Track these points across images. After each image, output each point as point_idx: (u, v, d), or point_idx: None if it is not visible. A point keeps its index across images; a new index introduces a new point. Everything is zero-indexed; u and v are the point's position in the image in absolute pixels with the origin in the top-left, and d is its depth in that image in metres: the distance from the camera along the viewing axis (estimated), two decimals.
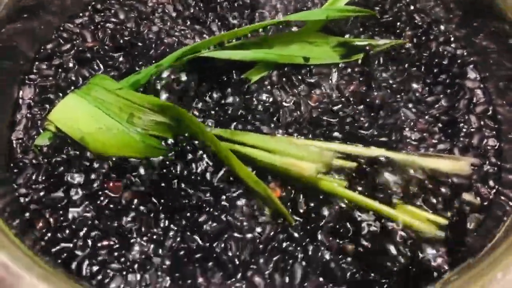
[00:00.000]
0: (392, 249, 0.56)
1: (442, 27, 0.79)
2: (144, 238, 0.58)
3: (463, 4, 0.77)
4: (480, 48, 0.75)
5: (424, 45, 0.76)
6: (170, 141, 0.64)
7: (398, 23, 0.79)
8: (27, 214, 0.59)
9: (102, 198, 0.60)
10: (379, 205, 0.59)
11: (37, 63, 0.73)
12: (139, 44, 0.75)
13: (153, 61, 0.72)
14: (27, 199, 0.60)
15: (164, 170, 0.62)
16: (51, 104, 0.68)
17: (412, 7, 0.82)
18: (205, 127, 0.62)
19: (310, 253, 0.57)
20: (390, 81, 0.72)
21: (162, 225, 0.59)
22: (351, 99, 0.70)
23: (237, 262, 0.56)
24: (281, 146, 0.61)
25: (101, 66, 0.72)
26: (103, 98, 0.65)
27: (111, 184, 0.61)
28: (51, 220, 0.59)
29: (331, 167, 0.61)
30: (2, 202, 0.58)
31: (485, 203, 0.62)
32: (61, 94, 0.70)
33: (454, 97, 0.71)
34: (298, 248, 0.57)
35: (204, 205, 0.60)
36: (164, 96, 0.67)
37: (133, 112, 0.64)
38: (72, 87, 0.70)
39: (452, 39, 0.78)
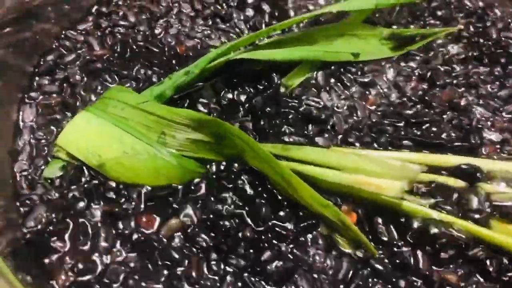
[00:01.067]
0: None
1: (498, 12, 0.70)
2: (196, 287, 0.46)
3: None
4: None
5: (482, 33, 0.67)
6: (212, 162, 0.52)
7: (449, 10, 0.69)
8: (45, 263, 0.47)
9: (136, 237, 0.48)
10: (473, 226, 0.48)
11: (37, 78, 0.61)
12: (156, 49, 0.63)
13: (176, 68, 0.61)
14: (40, 247, 0.48)
15: (209, 198, 0.50)
16: (58, 126, 0.57)
17: None
18: (254, 141, 0.50)
19: None
20: (453, 74, 0.62)
21: (215, 267, 0.47)
22: (413, 98, 0.60)
23: None
24: (350, 161, 0.50)
25: (115, 77, 0.61)
26: (124, 115, 0.53)
27: (144, 219, 0.50)
28: (74, 272, 0.46)
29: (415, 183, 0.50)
30: (11, 251, 0.45)
31: None
32: (69, 114, 0.57)
33: None
34: (389, 286, 0.46)
35: (264, 238, 0.48)
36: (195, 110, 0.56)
37: (164, 130, 0.52)
38: (83, 104, 0.58)
39: (511, 24, 0.68)
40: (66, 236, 0.48)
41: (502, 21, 0.69)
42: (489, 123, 0.58)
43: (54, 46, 0.64)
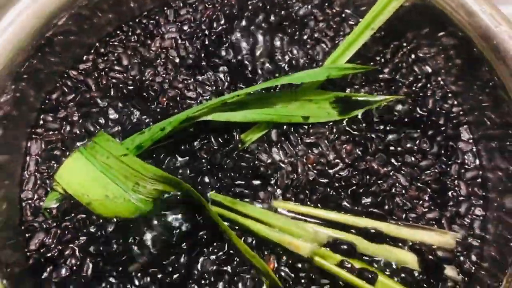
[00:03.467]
0: None
1: (440, 80, 0.80)
2: None
3: (461, 54, 0.77)
4: (475, 104, 0.76)
5: (421, 102, 0.78)
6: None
7: (398, 76, 0.80)
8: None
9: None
10: (362, 283, 0.63)
11: (43, 114, 0.74)
12: (143, 96, 0.76)
13: (158, 116, 0.74)
14: (38, 268, 0.64)
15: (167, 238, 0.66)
16: (58, 162, 0.71)
17: (413, 56, 0.82)
18: (204, 200, 0.65)
19: None
20: (386, 142, 0.74)
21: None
22: (347, 160, 0.73)
23: None
24: (280, 222, 0.65)
25: (105, 120, 0.74)
26: (109, 163, 0.68)
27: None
28: None
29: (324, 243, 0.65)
30: (14, 269, 0.62)
31: (466, 278, 0.66)
32: (67, 152, 0.72)
33: (446, 161, 0.73)
34: None
35: (206, 276, 0.64)
36: (167, 158, 0.70)
37: (138, 181, 0.67)
38: (77, 143, 0.72)
39: (449, 94, 0.79)
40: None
41: (442, 90, 0.80)
42: (404, 191, 0.71)
43: (58, 85, 0.77)
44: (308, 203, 0.70)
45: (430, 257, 0.65)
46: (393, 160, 0.73)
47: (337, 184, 0.71)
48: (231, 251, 0.66)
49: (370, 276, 0.63)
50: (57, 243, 0.66)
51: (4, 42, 0.67)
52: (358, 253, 0.66)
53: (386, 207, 0.70)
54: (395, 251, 0.66)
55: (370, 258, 0.66)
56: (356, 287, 0.63)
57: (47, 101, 0.75)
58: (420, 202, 0.71)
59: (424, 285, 0.65)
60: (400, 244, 0.68)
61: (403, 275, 0.66)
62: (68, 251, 0.65)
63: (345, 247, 0.65)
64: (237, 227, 0.67)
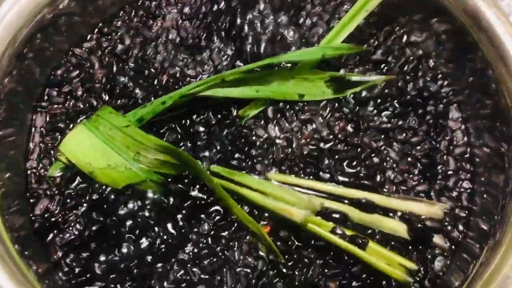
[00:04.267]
0: None
1: (431, 63, 0.83)
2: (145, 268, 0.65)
3: (453, 39, 0.80)
4: (465, 86, 0.79)
5: (412, 82, 0.81)
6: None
7: (390, 58, 0.83)
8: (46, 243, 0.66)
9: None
10: (353, 248, 0.66)
11: (48, 89, 0.77)
12: (144, 73, 0.79)
13: (159, 92, 0.76)
14: (43, 232, 0.67)
15: (166, 205, 0.68)
16: (62, 134, 0.74)
17: (405, 39, 0.85)
18: (204, 168, 0.68)
19: None
20: (378, 119, 0.77)
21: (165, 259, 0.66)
22: (340, 136, 0.76)
23: None
24: (274, 191, 0.68)
25: (108, 96, 0.77)
26: (111, 134, 0.70)
27: None
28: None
29: (317, 211, 0.67)
30: (20, 235, 0.64)
31: (453, 247, 0.69)
32: (70, 124, 0.74)
33: (436, 138, 0.76)
34: (286, 286, 0.65)
35: (204, 240, 0.67)
36: (168, 131, 0.73)
37: (139, 151, 0.69)
38: (81, 116, 0.75)
39: (439, 76, 0.82)
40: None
41: (433, 71, 0.83)
42: (395, 165, 0.74)
43: (63, 61, 0.80)
44: (302, 175, 0.72)
45: (419, 225, 0.68)
46: (384, 137, 0.76)
47: (330, 158, 0.74)
48: (228, 219, 0.68)
49: (361, 241, 0.66)
50: (61, 209, 0.68)
51: (8, 22, 0.69)
52: (349, 222, 0.68)
53: (378, 179, 0.72)
54: (385, 220, 0.69)
55: (361, 227, 0.69)
56: (348, 252, 0.65)
57: (52, 77, 0.78)
58: (410, 176, 0.73)
59: (414, 252, 0.68)
60: (390, 214, 0.70)
61: (393, 243, 0.68)
62: (71, 216, 0.68)
63: (337, 215, 0.68)
64: (234, 197, 0.69)
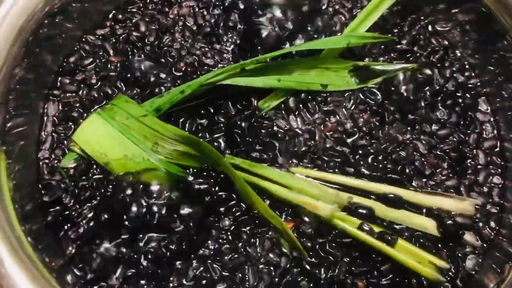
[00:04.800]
0: None
1: (458, 53, 0.80)
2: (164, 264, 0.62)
3: (480, 29, 0.77)
4: (493, 76, 0.76)
5: (439, 73, 0.77)
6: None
7: (416, 47, 0.80)
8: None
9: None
10: (382, 245, 0.62)
11: (60, 77, 0.74)
12: (160, 61, 0.76)
13: (177, 81, 0.73)
14: (56, 225, 0.64)
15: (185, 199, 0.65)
16: (75, 123, 0.71)
17: (430, 29, 0.82)
18: (225, 159, 0.64)
19: None
20: (405, 110, 0.74)
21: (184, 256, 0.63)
22: (365, 129, 0.72)
23: None
24: (298, 184, 0.65)
25: (124, 84, 0.74)
26: (128, 124, 0.67)
27: None
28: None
29: (344, 206, 0.64)
30: (32, 228, 0.61)
31: (485, 245, 0.66)
32: (84, 113, 0.71)
33: (465, 131, 0.73)
34: (311, 284, 0.62)
35: (224, 236, 0.64)
36: (187, 122, 0.70)
37: (157, 142, 0.66)
38: (95, 106, 0.72)
39: (467, 66, 0.79)
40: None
41: (459, 62, 0.79)
42: (423, 159, 0.71)
43: (76, 49, 0.77)
44: (326, 169, 0.69)
45: (449, 222, 0.65)
46: (411, 129, 0.73)
47: (355, 151, 0.70)
48: (250, 214, 0.65)
49: (390, 238, 0.62)
50: (75, 202, 0.65)
51: (18, 9, 0.66)
52: (377, 218, 0.65)
53: (405, 174, 0.69)
54: (414, 216, 0.66)
55: (389, 223, 0.66)
56: (375, 249, 0.62)
57: (64, 64, 0.75)
58: (439, 170, 0.70)
59: (444, 250, 0.65)
60: (419, 210, 0.67)
61: (421, 240, 0.65)
62: (85, 209, 0.65)
63: (364, 211, 0.65)
64: (255, 191, 0.66)
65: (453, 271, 0.63)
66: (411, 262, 0.62)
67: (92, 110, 0.72)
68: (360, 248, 0.64)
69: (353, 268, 0.63)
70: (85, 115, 0.72)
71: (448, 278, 0.63)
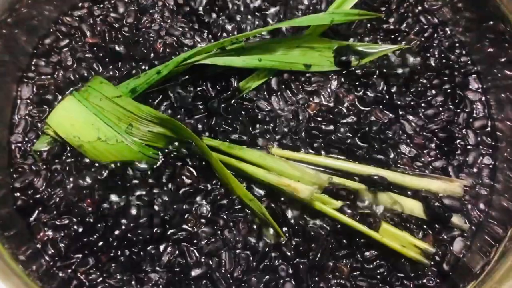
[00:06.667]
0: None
1: (448, 31, 0.77)
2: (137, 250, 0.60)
3: (470, 6, 0.74)
4: (484, 55, 0.73)
5: (428, 51, 0.75)
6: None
7: (404, 25, 0.77)
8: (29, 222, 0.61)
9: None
10: (364, 228, 0.60)
11: (35, 59, 0.72)
12: (140, 41, 0.73)
13: (154, 62, 0.71)
14: (27, 209, 0.62)
15: (157, 180, 0.63)
16: (50, 106, 0.69)
17: (419, 7, 0.79)
18: (200, 140, 0.62)
19: (301, 272, 0.59)
20: (391, 90, 0.71)
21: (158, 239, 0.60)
22: (350, 108, 0.70)
23: (230, 280, 0.58)
24: (278, 165, 0.62)
25: (100, 66, 0.71)
26: (102, 105, 0.65)
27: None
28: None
29: (325, 187, 0.61)
30: (1, 210, 0.59)
31: (474, 228, 0.63)
32: (59, 96, 0.69)
33: (454, 110, 0.70)
34: (289, 268, 0.59)
35: (200, 220, 0.61)
36: (163, 103, 0.68)
37: (132, 123, 0.64)
38: (71, 88, 0.70)
39: (457, 44, 0.76)
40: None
41: (449, 40, 0.76)
42: (409, 139, 0.68)
43: (51, 30, 0.74)
44: (309, 150, 0.66)
45: (437, 204, 0.62)
46: (397, 109, 0.70)
47: (338, 132, 0.68)
48: (230, 197, 0.63)
49: (372, 221, 0.60)
50: (47, 185, 0.63)
51: None
52: (360, 200, 0.63)
53: (391, 155, 0.66)
54: (400, 199, 0.63)
55: (372, 206, 0.63)
56: (359, 233, 0.60)
57: (40, 46, 0.72)
58: (426, 151, 0.68)
59: (431, 233, 0.62)
60: (404, 193, 0.64)
61: (407, 224, 0.62)
62: (57, 193, 0.63)
63: (346, 193, 0.62)
64: (233, 174, 0.63)
65: (439, 254, 0.60)
66: (395, 245, 0.59)
67: (67, 93, 0.69)
68: (343, 232, 0.61)
69: (336, 253, 0.60)
70: (60, 98, 0.69)
71: (435, 262, 0.60)
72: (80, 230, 0.61)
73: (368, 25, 0.76)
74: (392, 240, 0.60)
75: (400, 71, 0.73)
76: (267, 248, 0.61)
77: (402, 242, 0.60)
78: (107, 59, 0.72)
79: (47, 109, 0.69)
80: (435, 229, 0.63)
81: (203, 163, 0.64)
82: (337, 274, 0.59)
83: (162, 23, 0.76)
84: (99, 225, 0.61)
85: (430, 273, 0.61)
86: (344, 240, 0.62)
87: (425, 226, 0.63)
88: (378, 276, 0.60)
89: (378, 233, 0.60)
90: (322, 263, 0.60)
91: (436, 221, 0.63)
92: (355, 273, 0.60)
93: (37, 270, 0.58)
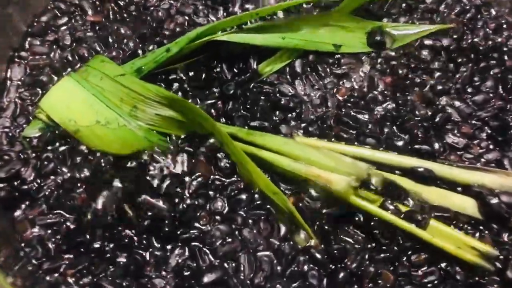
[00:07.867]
0: None
1: (493, 11, 0.69)
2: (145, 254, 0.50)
3: None
4: None
5: (471, 33, 0.66)
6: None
7: (443, 6, 0.69)
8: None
9: None
10: (412, 227, 0.50)
11: (29, 38, 0.64)
12: (147, 21, 0.65)
13: (163, 42, 0.63)
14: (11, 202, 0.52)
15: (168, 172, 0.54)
16: (44, 88, 0.61)
17: None
18: (219, 125, 0.53)
19: (336, 279, 0.49)
20: (433, 75, 0.62)
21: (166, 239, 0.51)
22: (386, 93, 0.61)
23: (251, 287, 0.48)
24: (306, 153, 0.53)
25: (102, 46, 0.63)
26: (102, 85, 0.57)
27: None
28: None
29: (363, 180, 0.52)
30: None
31: None
32: (55, 77, 0.61)
33: (505, 96, 0.61)
34: (323, 274, 0.49)
35: (215, 217, 0.52)
36: (173, 87, 0.59)
37: (136, 105, 0.55)
38: (68, 69, 0.62)
39: (504, 26, 0.68)
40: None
41: (495, 21, 0.68)
42: (456, 128, 0.59)
43: (49, 7, 0.67)
44: (339, 141, 0.57)
45: (494, 202, 0.52)
46: (442, 95, 0.61)
47: (373, 119, 0.59)
48: (251, 191, 0.53)
49: (420, 218, 0.50)
50: (36, 176, 0.54)
51: None
52: (403, 195, 0.53)
53: (435, 145, 0.57)
54: (450, 195, 0.54)
55: (417, 202, 0.53)
56: (404, 232, 0.50)
57: (35, 24, 0.65)
58: (477, 141, 0.58)
59: (487, 234, 0.52)
60: (454, 188, 0.54)
61: (459, 224, 0.52)
62: (48, 184, 0.53)
63: (388, 187, 0.53)
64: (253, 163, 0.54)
65: (501, 259, 0.50)
66: (449, 247, 0.49)
67: (64, 74, 0.61)
68: (384, 231, 0.51)
69: (375, 256, 0.50)
70: (56, 79, 0.61)
71: (494, 269, 0.50)
72: (73, 227, 0.51)
73: (403, 4, 0.68)
74: (444, 240, 0.50)
75: (441, 53, 0.64)
76: (294, 251, 0.51)
77: (456, 243, 0.49)
78: (109, 40, 0.64)
79: (40, 92, 0.60)
80: (493, 230, 0.52)
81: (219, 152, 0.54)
82: (380, 282, 0.49)
83: (172, 1, 0.68)
84: (94, 222, 0.51)
85: (488, 279, 0.50)
86: (384, 241, 0.51)
87: (481, 227, 0.53)
88: (429, 285, 0.49)
89: (426, 231, 0.50)
90: (361, 269, 0.49)
91: (494, 221, 0.53)
92: (401, 281, 0.49)
93: (20, 274, 0.48)
